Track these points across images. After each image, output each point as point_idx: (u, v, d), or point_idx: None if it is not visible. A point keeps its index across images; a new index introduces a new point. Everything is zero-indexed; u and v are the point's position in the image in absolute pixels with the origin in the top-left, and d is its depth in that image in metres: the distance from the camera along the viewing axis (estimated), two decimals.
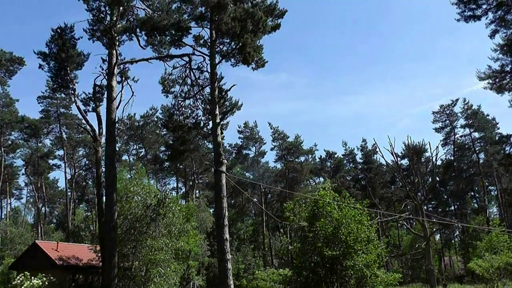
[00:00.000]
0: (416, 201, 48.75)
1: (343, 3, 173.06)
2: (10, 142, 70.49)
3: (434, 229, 56.58)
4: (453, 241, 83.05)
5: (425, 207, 52.24)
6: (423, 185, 50.09)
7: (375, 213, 35.37)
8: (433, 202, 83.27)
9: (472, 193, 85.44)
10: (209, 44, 28.97)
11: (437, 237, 78.52)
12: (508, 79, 31.65)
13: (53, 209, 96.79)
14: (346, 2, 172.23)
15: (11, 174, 77.19)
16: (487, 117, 76.97)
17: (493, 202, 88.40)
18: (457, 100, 76.20)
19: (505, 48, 30.71)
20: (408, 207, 66.58)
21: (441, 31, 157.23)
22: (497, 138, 69.58)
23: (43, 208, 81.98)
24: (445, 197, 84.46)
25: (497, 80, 32.09)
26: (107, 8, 28.09)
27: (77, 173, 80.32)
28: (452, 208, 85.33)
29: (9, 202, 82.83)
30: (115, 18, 27.97)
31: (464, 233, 68.98)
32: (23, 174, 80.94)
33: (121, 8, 28.04)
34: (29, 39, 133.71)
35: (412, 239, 67.71)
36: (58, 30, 29.01)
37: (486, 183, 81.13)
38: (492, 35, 30.71)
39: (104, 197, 28.47)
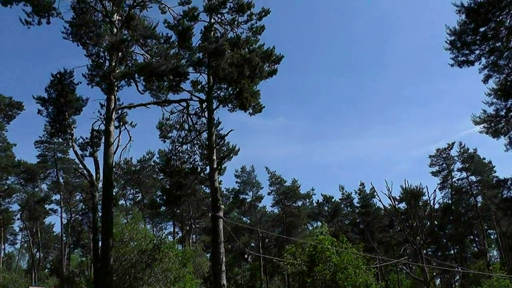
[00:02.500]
0: (415, 245, 48.28)
1: (339, 49, 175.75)
2: (6, 187, 69.97)
3: (434, 274, 55.92)
4: (453, 286, 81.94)
5: (424, 251, 51.73)
6: (421, 229, 49.70)
7: (373, 257, 35.00)
8: (432, 246, 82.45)
9: (472, 237, 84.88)
10: (207, 89, 29.22)
11: (438, 281, 77.53)
12: (503, 123, 31.81)
13: (48, 254, 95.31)
14: (342, 48, 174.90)
15: (6, 219, 76.30)
16: (484, 161, 77.18)
17: (493, 246, 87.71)
18: (453, 143, 76.57)
19: (498, 93, 30.94)
20: (407, 251, 65.96)
21: (438, 74, 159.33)
22: (494, 181, 69.60)
23: (37, 253, 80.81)
24: (444, 241, 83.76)
25: (492, 124, 32.22)
26: (106, 53, 28.46)
27: (73, 218, 79.70)
28: (452, 252, 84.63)
29: (3, 248, 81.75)
30: (114, 64, 28.25)
31: (465, 277, 68.15)
32: (18, 219, 80.00)
33: (120, 53, 28.36)
34: (27, 83, 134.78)
35: (412, 283, 66.76)
36: (58, 75, 29.28)
37: (485, 227, 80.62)
38: (485, 80, 30.93)
39: (100, 242, 28.13)
